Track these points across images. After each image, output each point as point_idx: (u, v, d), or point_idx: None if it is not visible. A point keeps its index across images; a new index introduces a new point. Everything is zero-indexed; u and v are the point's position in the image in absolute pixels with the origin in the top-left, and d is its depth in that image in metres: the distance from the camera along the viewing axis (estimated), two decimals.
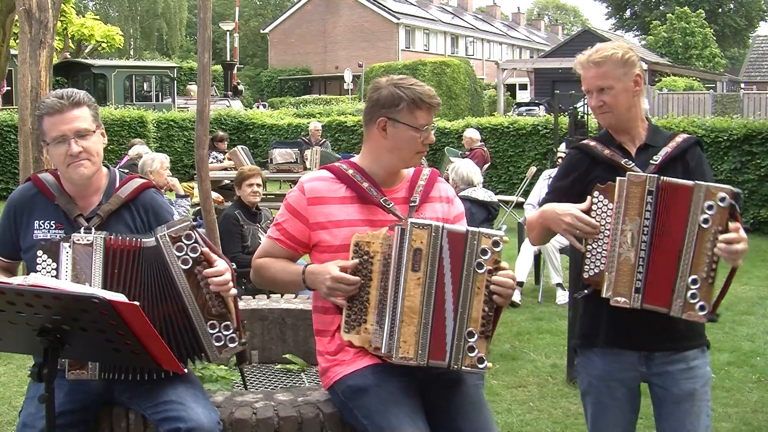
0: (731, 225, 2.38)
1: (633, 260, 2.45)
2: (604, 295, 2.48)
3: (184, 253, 2.45)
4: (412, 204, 2.58)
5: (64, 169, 2.55)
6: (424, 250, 2.38)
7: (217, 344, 2.48)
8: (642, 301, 2.46)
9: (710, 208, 2.38)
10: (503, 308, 2.47)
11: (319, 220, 2.54)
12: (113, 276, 2.44)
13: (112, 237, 2.47)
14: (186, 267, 2.45)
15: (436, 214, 2.61)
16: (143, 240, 2.48)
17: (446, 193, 2.72)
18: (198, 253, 2.46)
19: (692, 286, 2.40)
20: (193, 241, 2.46)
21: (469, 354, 2.39)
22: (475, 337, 2.39)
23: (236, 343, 2.50)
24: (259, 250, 2.69)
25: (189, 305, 2.45)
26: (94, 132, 2.56)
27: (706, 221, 2.39)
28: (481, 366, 2.40)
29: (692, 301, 2.41)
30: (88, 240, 2.45)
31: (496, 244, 2.40)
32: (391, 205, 2.55)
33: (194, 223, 2.57)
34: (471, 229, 2.42)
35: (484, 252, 2.39)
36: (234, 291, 2.51)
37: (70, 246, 2.44)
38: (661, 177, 2.46)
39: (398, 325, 2.38)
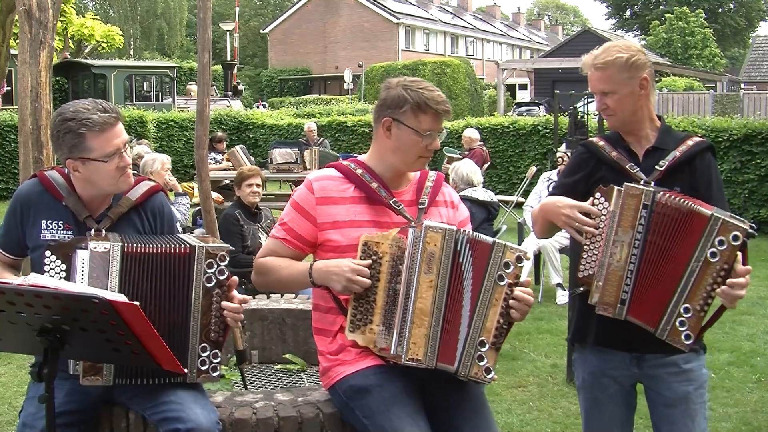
0: (739, 267, 2.34)
1: (622, 272, 2.45)
2: (591, 302, 2.49)
3: (213, 270, 2.44)
4: (421, 206, 2.59)
5: (114, 182, 2.51)
6: (437, 253, 2.39)
7: (201, 367, 2.46)
8: (626, 313, 2.46)
9: (721, 243, 2.34)
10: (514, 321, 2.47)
11: (327, 219, 2.53)
12: (128, 283, 2.42)
13: (128, 244, 2.43)
14: (208, 285, 2.44)
15: (441, 218, 2.61)
16: (174, 244, 2.45)
17: (450, 198, 2.72)
18: (224, 277, 2.45)
19: (684, 314, 2.40)
20: (225, 263, 2.45)
21: (478, 363, 2.39)
22: (486, 347, 2.39)
23: (217, 373, 2.50)
24: (262, 250, 2.66)
25: (192, 321, 2.44)
26: None
27: (713, 255, 2.35)
28: (488, 376, 2.41)
29: (680, 329, 2.40)
30: (105, 248, 2.41)
31: (519, 259, 2.40)
32: (400, 206, 2.55)
33: (231, 248, 2.53)
34: (498, 241, 2.42)
35: (507, 265, 2.39)
36: (239, 324, 2.52)
37: (86, 252, 2.39)
38: (664, 192, 2.43)
39: (408, 326, 2.38)
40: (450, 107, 2.57)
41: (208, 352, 2.46)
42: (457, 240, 2.40)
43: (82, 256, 2.40)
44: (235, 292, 2.51)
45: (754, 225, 2.38)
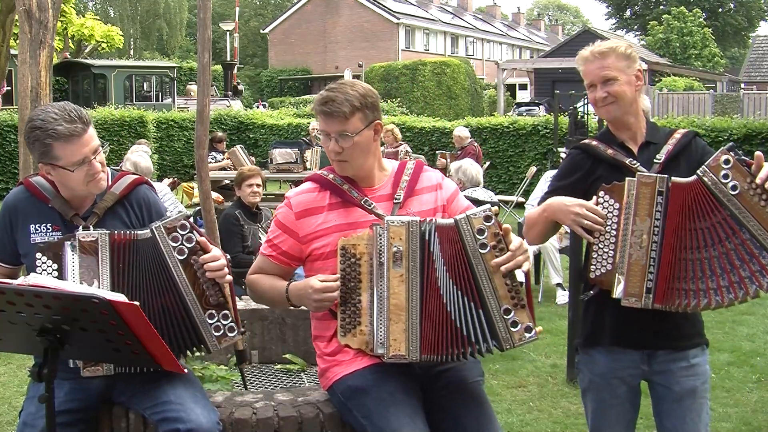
0: (754, 169, 2.36)
1: (644, 261, 2.45)
2: (615, 296, 2.48)
3: (179, 243, 2.45)
4: (396, 201, 2.58)
5: (84, 186, 2.51)
6: (404, 246, 2.38)
7: (216, 334, 2.47)
8: (653, 301, 2.45)
9: (726, 177, 2.38)
10: (530, 273, 2.48)
11: (308, 231, 2.55)
12: (119, 271, 2.45)
13: (116, 232, 2.47)
14: (182, 257, 2.45)
15: (425, 206, 2.59)
16: (138, 232, 2.48)
17: (434, 181, 2.68)
18: (193, 243, 2.46)
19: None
20: (188, 230, 2.46)
21: (513, 329, 2.38)
22: (512, 312, 2.39)
23: (235, 333, 2.50)
24: (252, 267, 2.70)
25: (187, 296, 2.45)
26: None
27: (734, 188, 2.38)
28: (530, 335, 2.39)
29: None
30: (92, 237, 2.44)
31: (488, 219, 2.39)
32: (372, 205, 2.54)
33: (188, 213, 2.56)
34: (458, 217, 2.41)
35: (480, 232, 2.38)
36: (230, 278, 2.51)
37: (74, 245, 2.43)
38: (672, 178, 2.45)
39: (386, 323, 2.38)
40: (340, 106, 2.45)
41: (216, 318, 2.47)
42: (424, 231, 2.40)
43: (70, 251, 2.42)
44: (212, 248, 2.49)
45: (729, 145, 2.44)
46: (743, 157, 2.40)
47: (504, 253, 2.38)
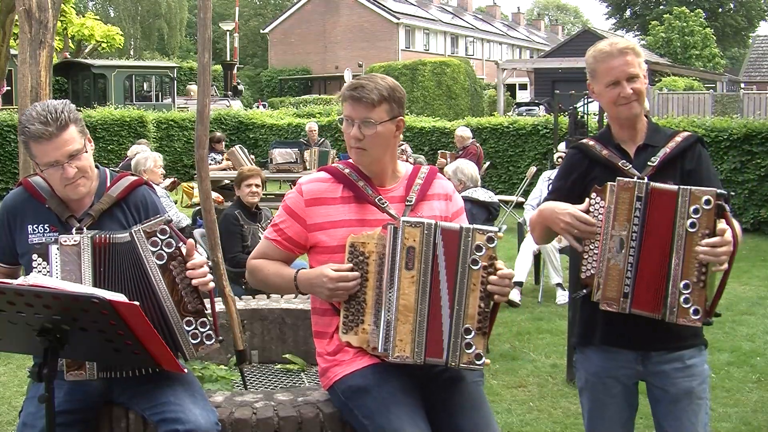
0: (719, 228, 2.36)
1: (622, 265, 2.46)
2: (594, 299, 2.50)
3: (158, 248, 2.43)
4: (408, 203, 2.58)
5: (62, 188, 2.51)
6: (417, 248, 2.38)
7: (193, 341, 2.46)
8: (630, 306, 2.46)
9: (696, 212, 2.37)
10: (500, 305, 2.47)
11: (316, 221, 2.55)
12: (101, 274, 2.43)
13: (99, 235, 2.45)
14: (161, 262, 2.43)
15: (434, 212, 2.60)
16: (116, 235, 2.46)
17: (446, 190, 2.71)
18: (173, 248, 2.45)
19: (684, 291, 2.40)
20: (167, 235, 2.45)
21: (467, 351, 2.39)
22: (472, 333, 2.40)
23: (213, 340, 2.48)
24: (254, 251, 2.69)
25: (165, 302, 2.43)
26: (84, 147, 2.51)
27: (693, 225, 2.37)
28: (478, 362, 2.40)
29: (685, 306, 2.40)
30: (74, 241, 2.43)
31: (490, 240, 2.40)
32: (385, 204, 2.55)
33: (169, 218, 2.54)
34: (465, 226, 2.43)
35: (478, 248, 2.39)
36: (212, 285, 2.50)
37: (57, 248, 2.42)
38: (651, 183, 2.45)
39: (394, 324, 2.38)
40: (369, 93, 2.48)
41: (194, 325, 2.45)
42: (437, 234, 2.40)
43: (54, 251, 2.42)
44: (196, 255, 2.48)
45: (723, 192, 2.41)
46: (726, 206, 2.38)
47: (490, 277, 2.39)
